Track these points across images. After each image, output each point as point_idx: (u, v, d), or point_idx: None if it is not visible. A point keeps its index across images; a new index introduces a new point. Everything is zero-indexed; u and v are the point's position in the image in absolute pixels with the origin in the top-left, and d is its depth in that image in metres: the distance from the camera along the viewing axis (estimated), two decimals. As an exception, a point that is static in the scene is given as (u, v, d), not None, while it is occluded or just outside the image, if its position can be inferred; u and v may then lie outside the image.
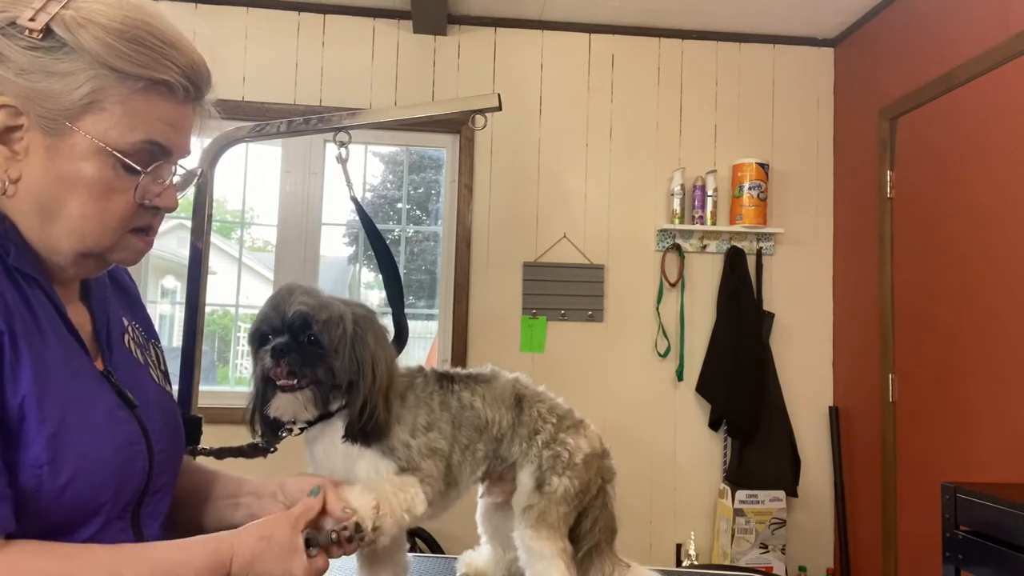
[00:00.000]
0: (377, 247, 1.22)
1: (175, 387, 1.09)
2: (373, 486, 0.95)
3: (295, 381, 0.93)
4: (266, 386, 0.96)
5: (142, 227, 0.85)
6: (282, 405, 0.95)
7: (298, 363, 0.93)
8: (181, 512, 0.97)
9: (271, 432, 1.02)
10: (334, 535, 0.88)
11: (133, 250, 0.86)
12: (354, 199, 1.28)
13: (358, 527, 0.90)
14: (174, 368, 1.08)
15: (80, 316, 0.88)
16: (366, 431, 0.96)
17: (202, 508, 1.00)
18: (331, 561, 1.27)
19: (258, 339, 0.97)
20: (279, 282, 3.40)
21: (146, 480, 0.85)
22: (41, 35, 0.75)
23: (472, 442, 1.05)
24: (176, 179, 0.88)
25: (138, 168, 0.80)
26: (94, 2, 0.78)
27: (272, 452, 1.24)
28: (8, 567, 0.70)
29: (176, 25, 0.82)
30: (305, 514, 0.88)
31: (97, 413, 0.80)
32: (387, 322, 1.14)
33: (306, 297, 0.95)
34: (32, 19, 0.75)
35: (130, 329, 0.97)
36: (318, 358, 0.94)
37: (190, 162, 0.91)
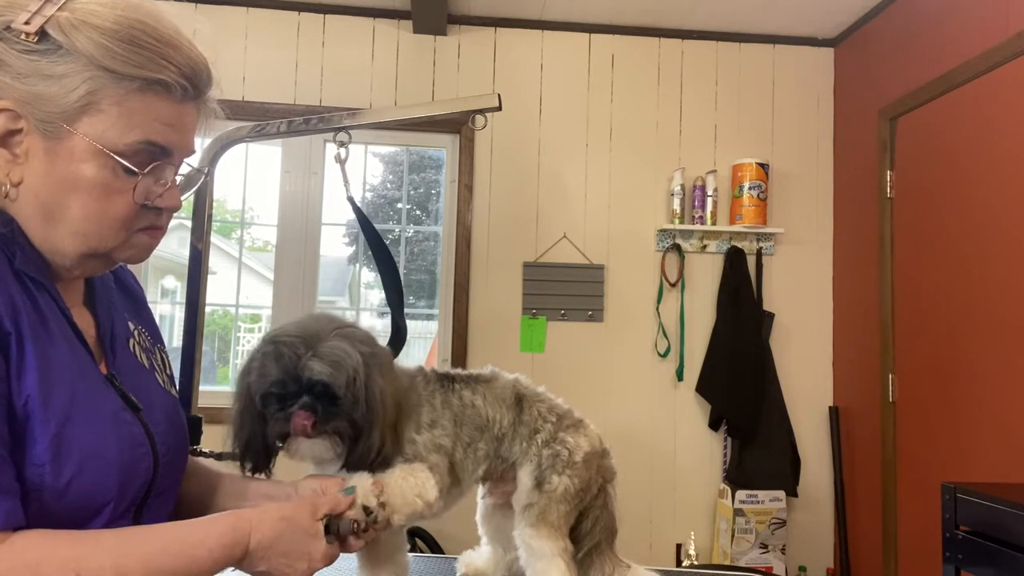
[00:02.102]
0: (375, 247, 1.21)
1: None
2: (379, 476, 0.96)
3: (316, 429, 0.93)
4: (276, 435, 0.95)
5: (148, 225, 0.85)
6: (305, 450, 0.95)
7: (324, 422, 0.92)
8: (187, 512, 0.97)
9: (264, 461, 0.99)
10: (355, 524, 0.89)
11: (141, 247, 0.85)
12: (350, 199, 1.27)
13: (366, 510, 0.90)
14: (174, 368, 1.08)
15: (84, 320, 0.88)
16: (372, 464, 0.96)
17: (208, 508, 1.00)
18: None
19: (271, 399, 0.93)
20: (279, 282, 3.40)
21: (150, 482, 0.86)
22: (36, 38, 0.75)
23: (474, 440, 1.06)
24: (179, 179, 0.87)
25: (135, 170, 0.79)
26: (89, 2, 0.77)
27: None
28: (13, 557, 0.70)
29: (176, 23, 0.82)
30: (328, 506, 0.89)
31: (102, 414, 0.80)
32: (386, 322, 1.14)
33: (318, 363, 0.90)
34: (27, 22, 0.75)
35: (136, 333, 0.97)
36: (341, 413, 0.92)
37: (194, 161, 0.90)
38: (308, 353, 0.91)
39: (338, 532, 0.89)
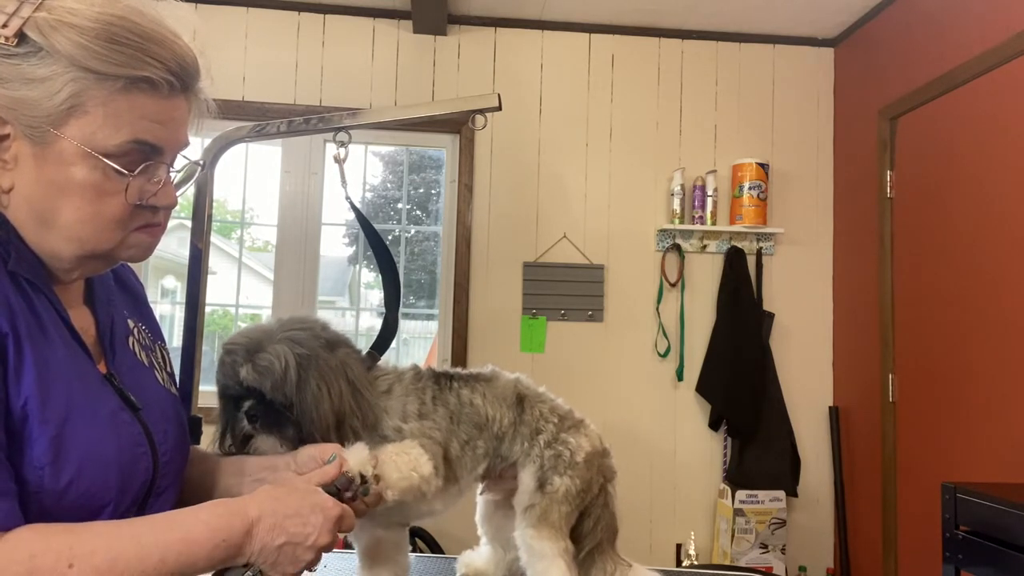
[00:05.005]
0: (375, 246, 1.21)
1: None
2: (373, 451, 0.97)
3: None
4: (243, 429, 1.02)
5: (145, 224, 0.84)
6: (260, 446, 1.01)
7: (267, 423, 0.99)
8: (190, 496, 0.97)
9: (239, 447, 1.04)
10: (350, 481, 0.89)
11: (140, 246, 0.84)
12: (349, 199, 1.27)
13: (363, 478, 0.90)
14: (174, 367, 1.08)
15: (83, 319, 0.88)
16: None
17: (210, 490, 1.00)
18: (331, 563, 1.27)
19: (227, 401, 1.02)
20: (279, 282, 3.40)
21: (150, 482, 0.85)
22: (15, 41, 0.73)
23: (472, 438, 1.06)
24: (175, 175, 0.86)
25: (125, 171, 0.78)
26: (67, 1, 0.76)
27: None
28: (8, 554, 0.69)
29: (158, 16, 0.80)
30: (319, 478, 0.89)
31: (100, 415, 0.80)
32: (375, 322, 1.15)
33: (246, 369, 0.97)
34: (4, 25, 0.73)
35: (135, 331, 0.96)
36: (281, 414, 0.98)
37: (191, 152, 0.88)
38: (243, 360, 0.98)
39: (336, 492, 0.88)
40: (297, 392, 0.97)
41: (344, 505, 0.86)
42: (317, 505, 0.83)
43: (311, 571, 0.85)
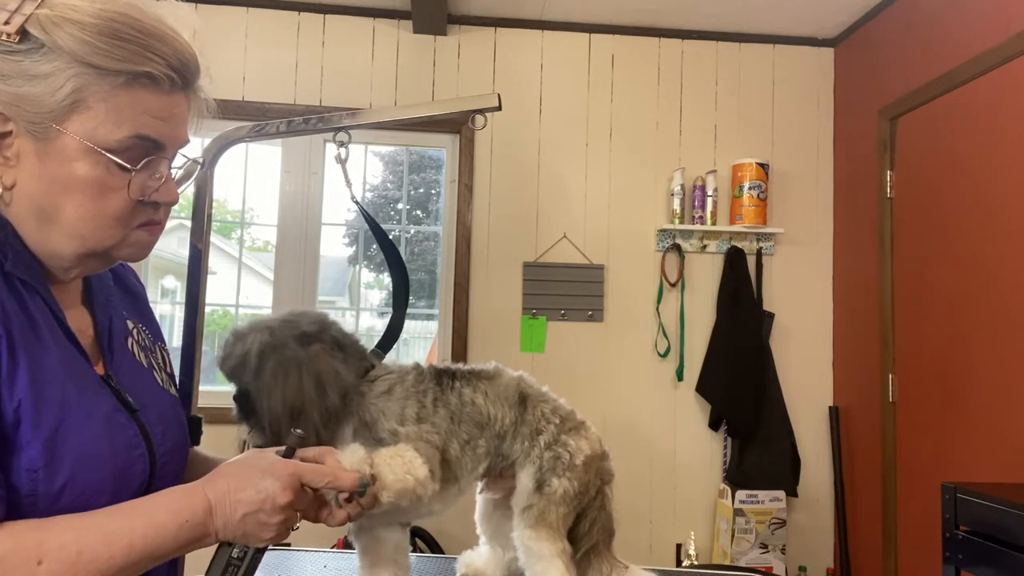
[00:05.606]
0: (383, 244, 1.21)
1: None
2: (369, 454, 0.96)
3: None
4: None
5: (146, 221, 0.84)
6: (242, 429, 1.06)
7: (241, 409, 1.04)
8: None
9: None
10: (340, 496, 0.88)
11: (139, 245, 0.84)
12: (355, 200, 1.27)
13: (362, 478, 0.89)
14: (174, 369, 1.08)
15: (81, 320, 0.88)
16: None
17: None
18: (331, 563, 1.27)
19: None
20: (279, 282, 3.41)
21: (147, 483, 0.85)
22: (18, 38, 0.74)
23: (472, 438, 1.06)
24: (175, 173, 0.86)
25: (128, 166, 0.78)
26: None
27: None
28: None
29: (159, 13, 0.80)
30: (274, 447, 0.90)
31: (95, 417, 0.80)
32: (385, 323, 1.15)
33: (221, 353, 1.04)
34: (7, 22, 0.74)
35: (135, 332, 0.96)
36: (250, 401, 1.02)
37: (191, 152, 0.89)
38: (229, 344, 1.04)
39: (290, 454, 0.87)
40: (253, 380, 1.00)
41: (296, 461, 0.85)
42: (266, 470, 0.82)
43: (294, 530, 0.86)
